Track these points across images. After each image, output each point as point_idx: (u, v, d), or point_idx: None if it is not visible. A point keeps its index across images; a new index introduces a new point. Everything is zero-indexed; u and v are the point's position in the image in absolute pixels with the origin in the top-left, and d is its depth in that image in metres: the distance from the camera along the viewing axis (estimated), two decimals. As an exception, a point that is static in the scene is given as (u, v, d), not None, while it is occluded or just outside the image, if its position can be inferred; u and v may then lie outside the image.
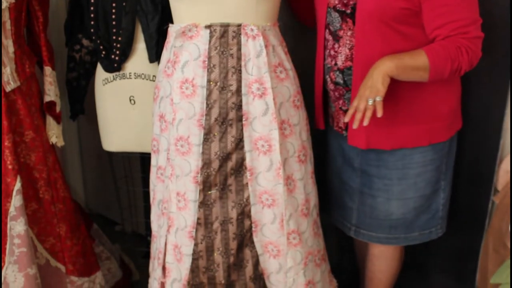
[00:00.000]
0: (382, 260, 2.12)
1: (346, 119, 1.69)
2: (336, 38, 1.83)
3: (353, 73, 1.80)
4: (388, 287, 2.22)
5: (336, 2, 1.80)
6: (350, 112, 1.67)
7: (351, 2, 1.76)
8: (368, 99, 1.62)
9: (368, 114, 1.63)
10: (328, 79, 1.90)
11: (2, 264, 1.91)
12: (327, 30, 1.87)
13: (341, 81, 1.86)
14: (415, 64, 1.66)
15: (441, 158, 1.92)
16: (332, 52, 1.86)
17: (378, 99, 1.62)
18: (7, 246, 1.90)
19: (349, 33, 1.79)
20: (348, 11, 1.77)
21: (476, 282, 2.23)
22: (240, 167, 1.74)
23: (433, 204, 1.98)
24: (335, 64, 1.85)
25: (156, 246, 1.97)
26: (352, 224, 2.05)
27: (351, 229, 2.07)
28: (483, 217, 2.12)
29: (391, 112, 1.79)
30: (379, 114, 1.62)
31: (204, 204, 1.76)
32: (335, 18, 1.82)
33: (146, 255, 2.65)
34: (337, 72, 1.86)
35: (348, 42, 1.80)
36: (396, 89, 1.74)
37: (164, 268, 1.90)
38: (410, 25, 1.71)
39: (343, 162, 2.03)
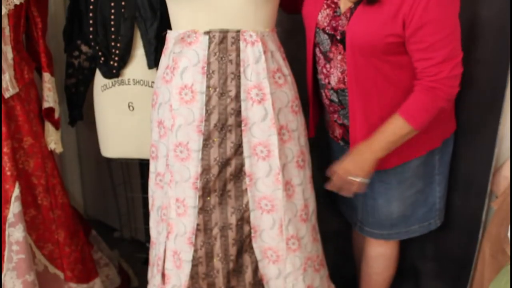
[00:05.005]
0: (379, 261, 2.14)
1: (329, 188, 1.84)
2: (327, 59, 1.83)
3: (348, 96, 1.79)
4: None
5: (325, 24, 1.79)
6: (332, 187, 1.83)
7: (339, 28, 1.74)
8: (356, 177, 1.77)
9: (353, 189, 1.80)
10: (323, 94, 1.91)
11: (1, 270, 1.90)
12: (317, 49, 1.86)
13: (336, 100, 1.86)
14: (398, 135, 1.71)
15: (434, 156, 1.95)
16: (325, 71, 1.86)
17: (366, 181, 1.78)
18: (6, 253, 1.89)
19: (339, 57, 1.78)
20: (338, 37, 1.76)
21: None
22: (239, 173, 1.74)
23: (429, 197, 2.01)
24: (329, 83, 1.86)
25: (155, 253, 1.96)
26: (358, 219, 2.11)
27: (356, 224, 2.13)
28: (477, 224, 2.13)
29: None
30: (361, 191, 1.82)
31: (203, 210, 1.76)
32: (325, 40, 1.81)
33: (145, 262, 2.64)
34: (331, 91, 1.86)
35: (339, 65, 1.79)
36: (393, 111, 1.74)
37: (163, 275, 1.89)
38: (400, 54, 1.69)
39: None
